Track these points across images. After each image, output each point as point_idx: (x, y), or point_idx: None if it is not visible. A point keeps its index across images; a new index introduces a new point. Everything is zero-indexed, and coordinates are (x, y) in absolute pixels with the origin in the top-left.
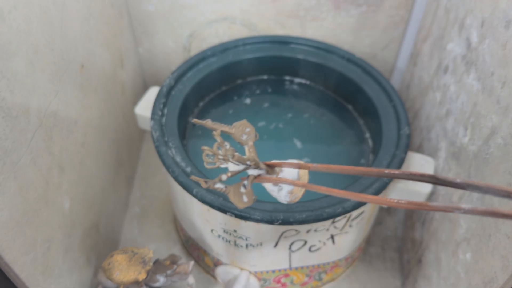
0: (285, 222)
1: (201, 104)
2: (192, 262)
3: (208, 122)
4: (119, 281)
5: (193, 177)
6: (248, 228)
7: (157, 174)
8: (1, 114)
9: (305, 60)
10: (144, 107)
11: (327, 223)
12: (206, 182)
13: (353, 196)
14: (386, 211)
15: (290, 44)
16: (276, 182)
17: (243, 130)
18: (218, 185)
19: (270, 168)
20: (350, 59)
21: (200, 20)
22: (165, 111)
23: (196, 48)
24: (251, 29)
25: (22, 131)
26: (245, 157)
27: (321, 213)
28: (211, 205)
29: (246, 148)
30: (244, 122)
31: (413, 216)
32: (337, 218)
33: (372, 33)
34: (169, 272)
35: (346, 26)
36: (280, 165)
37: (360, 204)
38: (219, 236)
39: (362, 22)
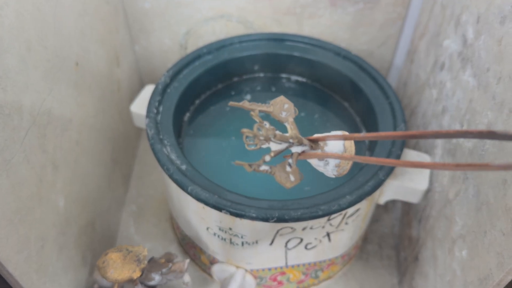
0: (280, 220)
1: (197, 101)
2: (187, 260)
3: (245, 103)
4: (113, 279)
5: (237, 162)
6: (244, 226)
7: (154, 173)
8: None
9: (301, 57)
10: (140, 105)
11: (323, 220)
12: (250, 165)
13: (406, 164)
14: (383, 209)
15: (286, 42)
16: (322, 157)
17: (282, 107)
18: (263, 167)
19: (314, 143)
20: (346, 56)
21: (197, 18)
22: (160, 109)
23: (193, 45)
24: (248, 26)
25: (15, 128)
26: (287, 134)
27: (316, 210)
28: (206, 203)
29: (287, 125)
30: (281, 98)
31: (410, 213)
32: (333, 216)
33: (369, 30)
34: (164, 270)
35: (343, 23)
36: (324, 139)
37: (355, 202)
38: (214, 234)
39: (359, 19)
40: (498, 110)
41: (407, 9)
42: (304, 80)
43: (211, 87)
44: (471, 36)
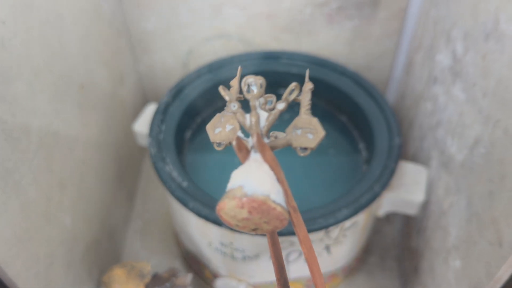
0: (278, 233)
1: (198, 119)
2: (190, 274)
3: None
4: None
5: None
6: (244, 240)
7: (158, 189)
8: (3, 136)
9: (299, 74)
10: (143, 124)
11: (321, 233)
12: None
13: None
14: (385, 220)
15: (284, 59)
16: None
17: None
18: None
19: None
20: (343, 72)
21: (198, 37)
22: (163, 127)
23: (195, 64)
24: (247, 44)
25: (23, 151)
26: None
27: (313, 223)
28: (207, 219)
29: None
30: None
31: (410, 224)
32: (330, 228)
33: (366, 45)
34: (167, 284)
35: (340, 39)
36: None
37: (351, 214)
38: (216, 249)
39: (356, 34)
40: (484, 123)
41: (403, 23)
42: None
43: (212, 104)
44: (460, 52)
